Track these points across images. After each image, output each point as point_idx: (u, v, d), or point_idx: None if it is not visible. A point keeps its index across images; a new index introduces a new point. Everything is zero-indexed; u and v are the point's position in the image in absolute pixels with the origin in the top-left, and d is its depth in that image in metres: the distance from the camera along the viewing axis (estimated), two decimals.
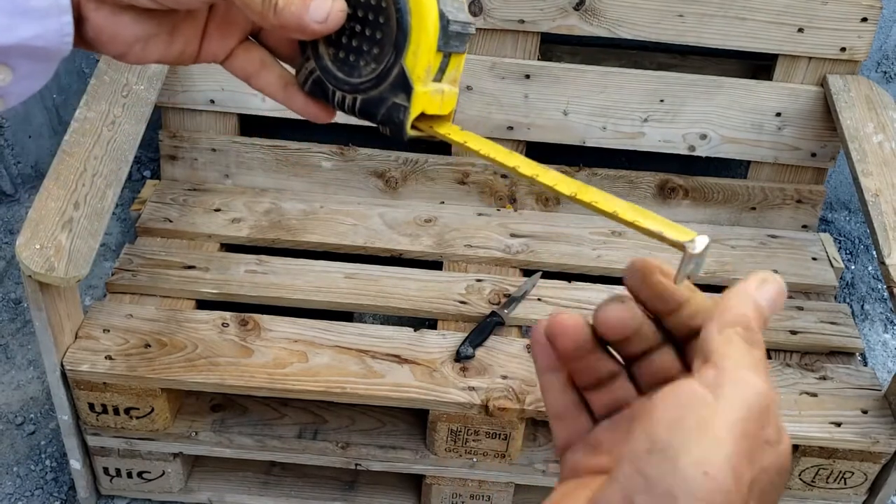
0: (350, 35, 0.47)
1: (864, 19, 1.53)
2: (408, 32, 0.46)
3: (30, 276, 1.17)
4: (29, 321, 1.72)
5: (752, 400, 0.34)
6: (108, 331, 1.32)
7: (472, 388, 1.28)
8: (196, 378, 1.27)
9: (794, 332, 1.45)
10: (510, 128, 1.62)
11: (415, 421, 1.39)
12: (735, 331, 0.36)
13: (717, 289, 1.54)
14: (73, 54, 1.98)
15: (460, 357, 1.32)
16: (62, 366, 1.27)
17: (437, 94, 0.48)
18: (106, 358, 1.28)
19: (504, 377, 1.30)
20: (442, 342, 1.35)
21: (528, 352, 1.35)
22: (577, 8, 1.53)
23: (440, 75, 0.47)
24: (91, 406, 1.31)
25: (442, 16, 0.46)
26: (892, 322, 1.88)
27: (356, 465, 1.38)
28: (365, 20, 0.47)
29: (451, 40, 0.47)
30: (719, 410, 0.33)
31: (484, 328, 1.37)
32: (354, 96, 0.48)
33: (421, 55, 0.46)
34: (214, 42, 0.49)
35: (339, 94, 0.48)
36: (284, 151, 1.65)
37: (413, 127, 0.47)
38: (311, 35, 0.46)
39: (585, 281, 1.51)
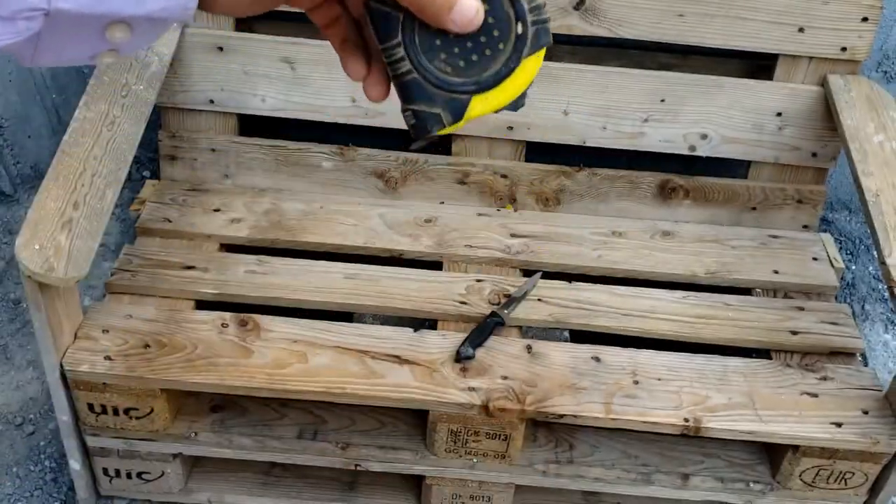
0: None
1: (865, 19, 1.52)
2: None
3: (29, 276, 1.16)
4: (28, 321, 1.72)
5: None
6: (108, 331, 1.32)
7: (472, 389, 1.28)
8: (195, 378, 1.26)
9: (794, 333, 1.45)
10: (510, 127, 1.62)
11: (415, 421, 1.39)
12: None
13: (719, 289, 1.54)
14: None
15: (460, 357, 1.31)
16: (62, 366, 1.27)
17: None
18: (105, 358, 1.27)
19: (504, 378, 1.30)
20: (442, 342, 1.35)
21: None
22: (577, 8, 1.52)
23: None
24: (90, 406, 1.31)
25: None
26: (892, 322, 1.87)
27: (356, 465, 1.37)
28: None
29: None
30: None
31: (484, 328, 1.37)
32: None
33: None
34: None
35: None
36: (284, 151, 1.65)
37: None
38: (448, 26, 0.50)
39: (586, 281, 1.51)
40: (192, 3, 0.46)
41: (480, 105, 0.52)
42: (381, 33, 0.50)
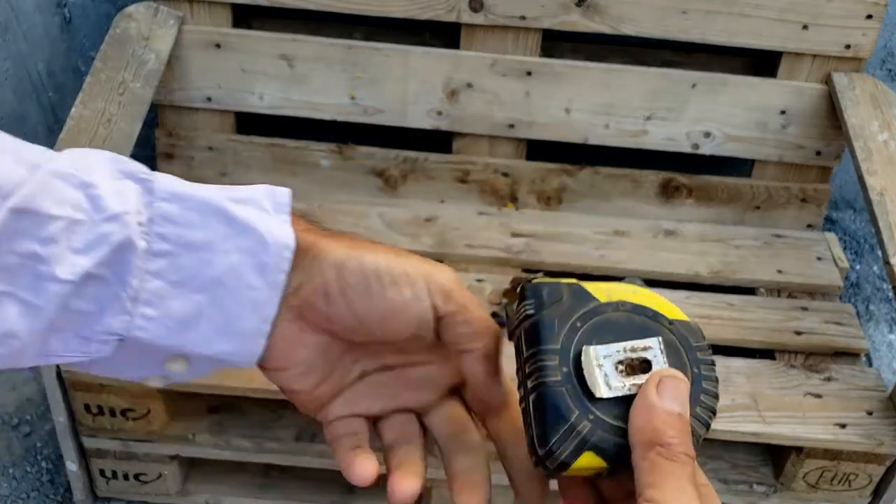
0: None
1: (869, 16, 1.51)
2: None
3: None
4: None
5: None
6: None
7: None
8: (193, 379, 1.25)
9: (798, 333, 1.43)
10: (511, 125, 1.60)
11: None
12: (657, 452, 0.36)
13: (723, 289, 1.52)
14: (68, 51, 1.94)
15: None
16: (58, 367, 1.25)
17: None
18: None
19: None
20: None
21: None
22: (579, 4, 1.51)
23: None
24: (87, 407, 1.30)
25: None
26: None
27: None
28: None
29: None
30: None
31: None
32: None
33: None
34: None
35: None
36: (282, 150, 1.63)
37: None
38: None
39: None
40: (259, 349, 0.46)
41: None
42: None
